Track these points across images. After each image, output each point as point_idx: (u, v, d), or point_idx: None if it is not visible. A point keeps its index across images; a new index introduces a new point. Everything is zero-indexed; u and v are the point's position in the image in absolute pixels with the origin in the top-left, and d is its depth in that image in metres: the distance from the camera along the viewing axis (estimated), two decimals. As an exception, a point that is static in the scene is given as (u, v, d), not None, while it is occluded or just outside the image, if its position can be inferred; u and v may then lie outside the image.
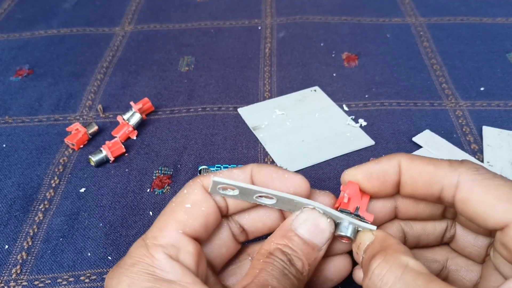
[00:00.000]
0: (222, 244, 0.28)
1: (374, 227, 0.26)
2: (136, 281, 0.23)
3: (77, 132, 0.42)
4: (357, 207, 0.26)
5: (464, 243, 0.28)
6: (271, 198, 0.26)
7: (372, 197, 0.27)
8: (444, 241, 0.29)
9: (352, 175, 0.27)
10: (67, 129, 0.43)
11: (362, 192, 0.27)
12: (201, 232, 0.26)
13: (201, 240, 0.26)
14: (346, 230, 0.26)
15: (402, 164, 0.26)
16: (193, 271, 0.24)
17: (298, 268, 0.25)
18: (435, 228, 0.28)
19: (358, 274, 0.27)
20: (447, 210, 0.28)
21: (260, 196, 0.26)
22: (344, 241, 0.27)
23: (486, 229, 0.25)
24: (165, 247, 0.24)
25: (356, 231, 0.26)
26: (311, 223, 0.26)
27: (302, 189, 0.26)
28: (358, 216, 0.26)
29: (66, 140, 0.42)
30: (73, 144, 0.42)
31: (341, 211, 0.26)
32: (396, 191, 0.27)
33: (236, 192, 0.26)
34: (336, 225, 0.26)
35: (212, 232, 0.27)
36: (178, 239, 0.25)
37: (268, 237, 0.27)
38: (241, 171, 0.27)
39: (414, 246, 0.29)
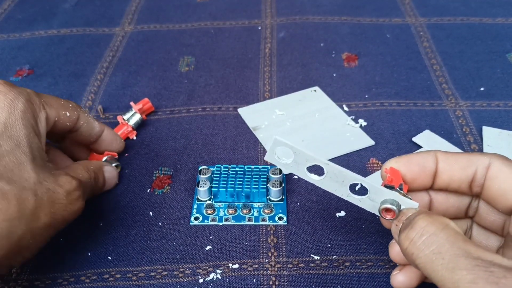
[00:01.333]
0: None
1: (417, 204, 0.27)
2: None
3: None
4: (400, 183, 0.28)
5: (486, 219, 0.29)
6: (320, 176, 0.28)
7: (410, 188, 0.29)
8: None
9: (394, 162, 0.29)
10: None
11: (403, 181, 0.28)
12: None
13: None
14: (391, 205, 0.27)
15: (439, 154, 0.28)
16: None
17: None
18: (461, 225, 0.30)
19: (394, 248, 0.28)
20: (470, 206, 0.29)
21: (310, 172, 0.29)
22: (388, 217, 0.27)
23: (506, 206, 0.26)
24: (47, 114, 0.33)
25: (399, 209, 0.27)
26: (112, 173, 0.39)
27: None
28: (401, 193, 0.27)
29: None
30: None
31: (386, 186, 0.27)
32: (432, 182, 0.28)
33: (290, 161, 0.28)
34: (381, 203, 0.27)
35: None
36: (52, 118, 0.34)
37: (86, 161, 0.37)
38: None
39: None
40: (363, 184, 0.27)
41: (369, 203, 0.28)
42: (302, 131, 0.43)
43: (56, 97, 0.35)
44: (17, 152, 0.28)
